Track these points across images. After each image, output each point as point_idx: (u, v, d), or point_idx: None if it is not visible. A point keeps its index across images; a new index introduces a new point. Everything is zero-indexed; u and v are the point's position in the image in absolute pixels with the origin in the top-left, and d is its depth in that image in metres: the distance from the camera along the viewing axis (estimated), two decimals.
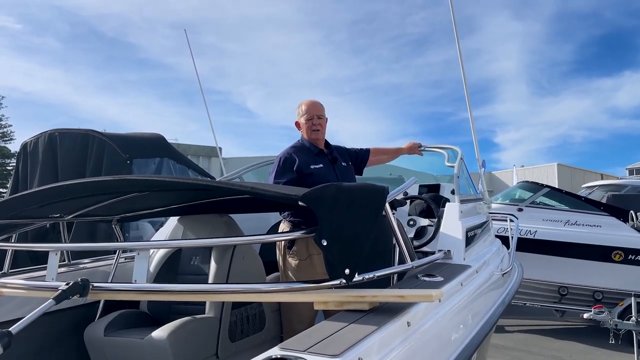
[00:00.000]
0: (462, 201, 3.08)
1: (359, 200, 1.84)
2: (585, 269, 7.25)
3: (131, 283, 1.93)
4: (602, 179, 22.59)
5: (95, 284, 1.93)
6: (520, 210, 8.06)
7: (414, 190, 4.34)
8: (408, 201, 4.21)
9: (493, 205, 8.56)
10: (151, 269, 3.38)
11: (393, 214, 2.20)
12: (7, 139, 35.22)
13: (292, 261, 2.99)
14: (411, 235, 3.89)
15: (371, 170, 5.52)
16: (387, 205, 2.19)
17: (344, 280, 1.70)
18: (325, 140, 3.38)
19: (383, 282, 2.20)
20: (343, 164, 3.35)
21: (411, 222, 3.95)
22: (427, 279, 2.22)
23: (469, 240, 2.93)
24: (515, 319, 7.90)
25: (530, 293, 7.48)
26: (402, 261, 2.23)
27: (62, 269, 3.03)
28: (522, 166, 35.64)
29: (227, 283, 2.80)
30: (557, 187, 10.87)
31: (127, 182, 2.03)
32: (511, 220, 5.11)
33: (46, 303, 1.76)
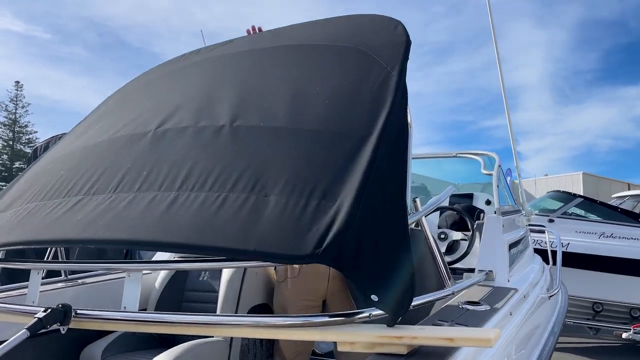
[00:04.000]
0: (503, 213, 2.73)
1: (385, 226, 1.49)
2: (622, 284, 6.83)
3: (120, 311, 1.62)
4: (629, 188, 21.88)
5: (79, 311, 1.63)
6: (551, 221, 7.67)
7: (445, 201, 4.00)
8: (438, 212, 3.86)
9: None
10: (157, 284, 3.09)
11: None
12: (32, 145, 36.31)
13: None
14: (442, 250, 3.55)
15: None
16: (423, 219, 1.86)
17: (374, 313, 1.37)
18: None
19: (419, 312, 1.87)
20: None
21: (442, 236, 3.61)
22: (470, 307, 1.88)
23: (511, 258, 2.58)
24: None
25: None
26: (440, 285, 1.90)
27: (60, 285, 2.75)
28: (546, 175, 34.82)
29: (237, 305, 2.49)
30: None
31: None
32: (551, 233, 4.71)
33: (18, 335, 1.47)
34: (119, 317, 1.61)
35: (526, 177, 35.26)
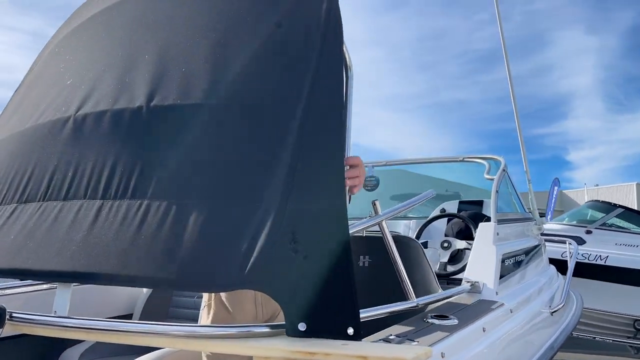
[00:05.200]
0: (500, 221, 2.53)
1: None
2: None
3: (51, 316, 1.54)
4: None
5: (15, 314, 1.56)
6: (589, 232, 7.27)
7: (453, 208, 3.79)
8: (445, 220, 3.67)
9: (556, 227, 7.75)
10: (144, 289, 3.04)
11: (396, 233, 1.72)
12: None
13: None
14: (445, 259, 3.35)
15: (417, 186, 4.94)
16: (384, 223, 1.71)
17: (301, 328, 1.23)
18: None
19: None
20: None
21: (445, 244, 3.41)
22: (436, 321, 1.71)
23: (507, 269, 2.37)
24: (582, 352, 7.02)
25: (601, 326, 6.63)
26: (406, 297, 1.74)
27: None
28: (597, 185, 33.38)
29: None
30: (635, 208, 9.83)
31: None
32: (570, 244, 4.42)
33: None
34: (52, 323, 1.53)
35: (576, 188, 33.94)
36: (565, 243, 4.65)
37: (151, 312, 2.99)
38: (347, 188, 1.62)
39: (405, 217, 3.93)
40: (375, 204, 1.69)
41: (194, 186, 1.23)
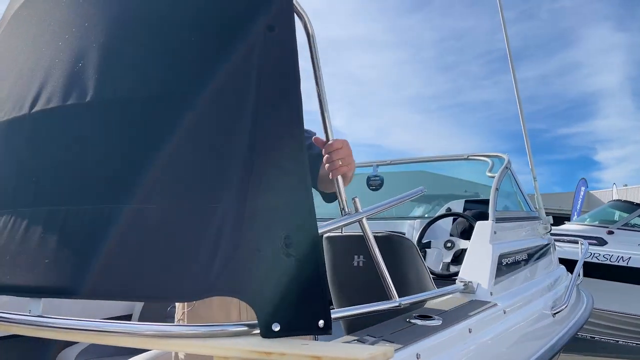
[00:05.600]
0: (499, 219, 2.45)
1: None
2: None
3: (27, 315, 1.53)
4: None
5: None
6: (610, 233, 7.09)
7: (459, 207, 3.71)
8: (451, 219, 3.59)
9: (578, 227, 7.57)
10: None
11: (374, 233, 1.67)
12: None
13: None
14: (448, 259, 3.28)
15: (438, 187, 4.81)
16: (364, 221, 1.66)
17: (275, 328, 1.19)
18: None
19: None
20: None
21: (448, 244, 3.33)
22: (419, 322, 1.66)
23: (505, 269, 2.30)
24: (600, 356, 6.83)
25: (621, 329, 6.45)
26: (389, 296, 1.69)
27: None
28: (625, 185, 32.50)
29: None
30: None
31: None
32: (582, 244, 4.29)
33: None
34: (23, 321, 1.52)
35: (604, 188, 33.11)
36: (578, 243, 4.51)
37: (151, 312, 2.98)
38: (336, 176, 1.57)
39: (409, 217, 3.86)
40: (355, 201, 1.64)
41: (149, 190, 1.19)
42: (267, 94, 1.14)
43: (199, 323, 1.79)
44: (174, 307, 3.15)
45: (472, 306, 1.92)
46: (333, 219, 1.69)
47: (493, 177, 2.83)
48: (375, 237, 2.42)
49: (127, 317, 2.99)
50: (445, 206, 3.79)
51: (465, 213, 3.42)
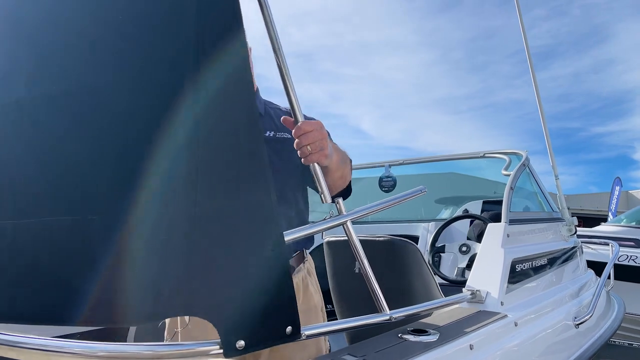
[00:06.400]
0: (513, 221, 2.23)
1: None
2: None
3: None
4: None
5: None
6: None
7: (476, 208, 3.49)
8: (468, 222, 3.37)
9: (613, 228, 7.19)
10: None
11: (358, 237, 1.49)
12: None
13: None
14: (463, 264, 3.07)
15: (468, 189, 4.56)
16: (349, 223, 1.49)
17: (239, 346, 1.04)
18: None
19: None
20: (269, 133, 1.74)
21: (464, 248, 3.12)
22: (411, 337, 1.47)
23: (520, 275, 2.08)
24: None
25: None
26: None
27: None
28: None
29: None
30: None
31: None
32: (612, 246, 4.00)
33: None
34: None
35: None
36: (609, 245, 4.21)
37: (143, 330, 2.86)
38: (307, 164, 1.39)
39: (423, 220, 3.65)
40: (338, 202, 1.47)
41: (80, 199, 1.03)
42: (206, 76, 0.98)
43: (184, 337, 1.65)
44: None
45: (478, 318, 1.72)
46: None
47: (507, 174, 2.61)
48: (377, 242, 2.24)
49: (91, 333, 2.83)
50: (462, 207, 3.57)
51: (483, 214, 3.19)
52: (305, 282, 1.78)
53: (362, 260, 1.48)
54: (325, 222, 1.45)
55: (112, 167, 0.97)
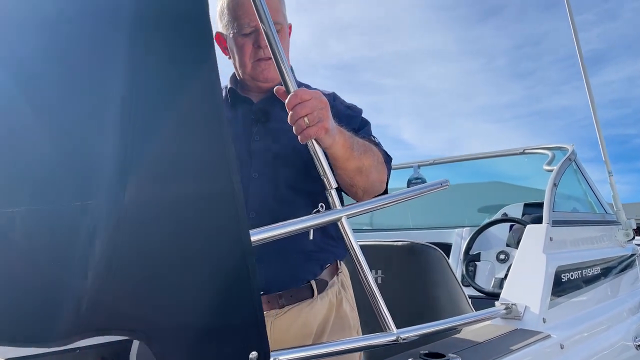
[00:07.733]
0: (557, 222, 1.89)
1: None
2: None
3: None
4: None
5: None
6: None
7: (517, 211, 3.13)
8: (507, 226, 3.01)
9: None
10: None
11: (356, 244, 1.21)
12: None
13: None
14: (501, 274, 2.72)
15: (513, 199, 4.17)
16: (344, 220, 1.20)
17: None
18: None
19: None
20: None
21: (502, 256, 2.78)
22: None
23: (566, 287, 1.75)
24: None
25: None
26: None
27: None
28: None
29: None
30: None
31: None
32: None
33: None
34: None
35: None
36: None
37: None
38: (304, 141, 1.12)
39: (456, 226, 3.30)
40: (330, 194, 1.20)
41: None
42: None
43: None
44: None
45: (513, 338, 1.40)
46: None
47: (549, 170, 2.27)
48: (394, 247, 1.94)
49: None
50: (501, 211, 3.21)
51: (524, 218, 2.84)
52: (339, 299, 1.46)
53: (361, 267, 1.20)
54: (314, 217, 1.17)
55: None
